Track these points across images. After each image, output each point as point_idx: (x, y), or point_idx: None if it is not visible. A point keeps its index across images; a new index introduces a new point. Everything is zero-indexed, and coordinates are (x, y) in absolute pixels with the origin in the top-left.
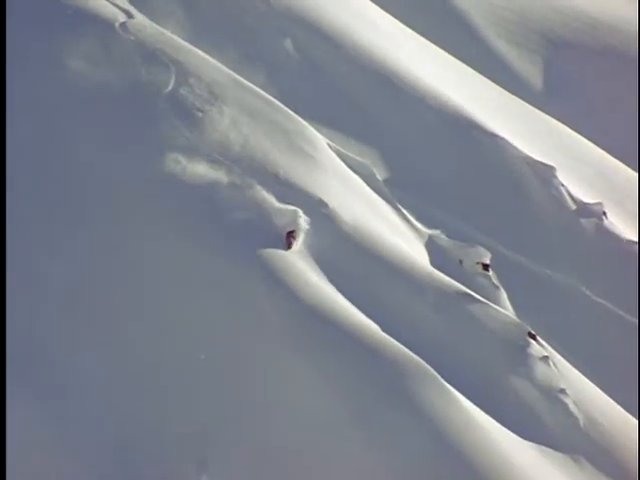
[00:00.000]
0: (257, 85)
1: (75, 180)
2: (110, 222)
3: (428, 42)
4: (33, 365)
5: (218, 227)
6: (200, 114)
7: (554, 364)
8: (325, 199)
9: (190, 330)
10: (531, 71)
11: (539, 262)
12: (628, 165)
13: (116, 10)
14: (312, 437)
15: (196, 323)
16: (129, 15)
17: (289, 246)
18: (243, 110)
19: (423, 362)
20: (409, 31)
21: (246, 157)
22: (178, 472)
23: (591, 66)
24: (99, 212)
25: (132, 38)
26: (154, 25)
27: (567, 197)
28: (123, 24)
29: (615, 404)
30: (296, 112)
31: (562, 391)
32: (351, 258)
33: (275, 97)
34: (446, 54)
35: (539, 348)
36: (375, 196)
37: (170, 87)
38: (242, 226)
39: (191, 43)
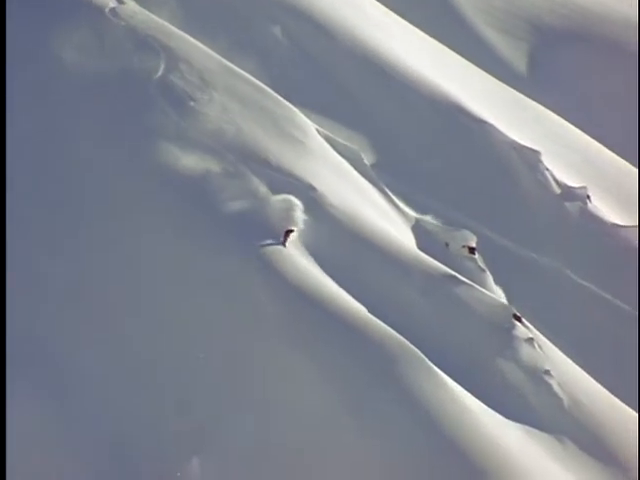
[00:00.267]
0: (248, 72)
1: (74, 179)
2: (108, 219)
3: (420, 32)
4: (32, 364)
5: (213, 220)
6: (192, 103)
7: (539, 346)
8: (314, 184)
9: (187, 327)
10: (519, 59)
11: (524, 245)
12: (613, 149)
13: None
14: (310, 432)
15: (193, 320)
16: (120, 1)
17: (284, 243)
18: (234, 97)
19: (410, 344)
20: (399, 19)
21: (238, 145)
22: (175, 469)
23: (579, 54)
24: (97, 210)
25: (123, 24)
26: (145, 11)
27: (552, 182)
28: (113, 10)
29: (598, 384)
30: (286, 99)
31: (547, 372)
32: (339, 242)
33: (266, 84)
34: (436, 42)
35: (524, 330)
36: (363, 180)
37: (160, 72)
38: (237, 218)
39: (182, 30)
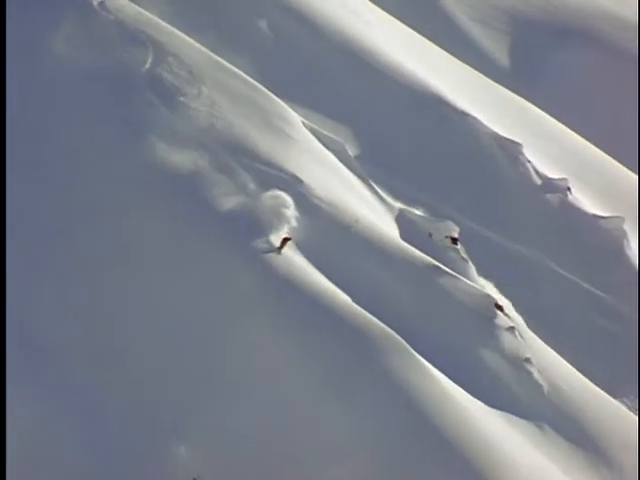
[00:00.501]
0: (235, 66)
1: (63, 172)
2: (95, 213)
3: (404, 25)
4: (31, 363)
5: (204, 217)
6: (181, 97)
7: (520, 334)
8: (301, 176)
9: (177, 317)
10: (496, 49)
11: (506, 236)
12: (590, 139)
13: None
14: (295, 415)
15: (181, 310)
16: None
17: (280, 250)
18: (222, 91)
19: (394, 333)
20: (383, 13)
21: (227, 138)
22: (169, 457)
23: (556, 45)
24: (85, 203)
25: (112, 17)
26: (133, 5)
27: (533, 173)
28: (102, 3)
29: (576, 371)
30: (273, 92)
31: (527, 360)
32: (325, 233)
33: (254, 78)
34: (419, 36)
35: (505, 319)
36: (347, 172)
37: (148, 66)
38: (227, 215)
39: (171, 24)
